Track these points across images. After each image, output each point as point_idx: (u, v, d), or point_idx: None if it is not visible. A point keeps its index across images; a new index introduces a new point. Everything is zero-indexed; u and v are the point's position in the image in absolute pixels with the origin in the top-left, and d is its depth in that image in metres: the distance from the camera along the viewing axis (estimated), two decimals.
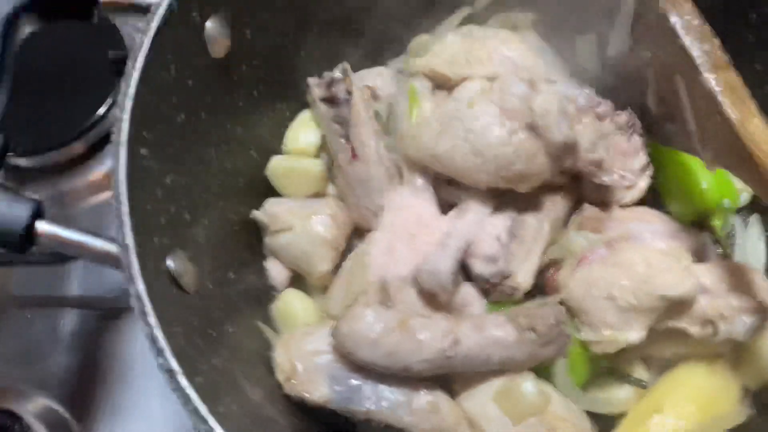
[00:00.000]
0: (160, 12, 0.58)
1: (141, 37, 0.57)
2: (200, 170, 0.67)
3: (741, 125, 0.60)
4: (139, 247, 0.51)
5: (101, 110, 0.98)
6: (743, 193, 0.80)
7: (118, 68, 1.00)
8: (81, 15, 0.61)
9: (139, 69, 0.56)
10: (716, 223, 0.77)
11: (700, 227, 0.78)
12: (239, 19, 0.69)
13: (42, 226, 0.52)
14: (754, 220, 0.81)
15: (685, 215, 0.78)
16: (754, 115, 0.60)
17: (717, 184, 0.77)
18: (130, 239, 0.50)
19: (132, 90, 0.55)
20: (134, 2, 0.62)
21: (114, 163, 0.52)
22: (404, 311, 0.67)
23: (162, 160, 0.59)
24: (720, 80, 0.62)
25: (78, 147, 1.00)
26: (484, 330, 0.64)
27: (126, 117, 0.54)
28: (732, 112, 0.61)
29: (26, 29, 0.58)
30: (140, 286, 0.49)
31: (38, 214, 0.52)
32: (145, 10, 0.60)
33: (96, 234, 0.54)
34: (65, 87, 0.96)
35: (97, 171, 1.01)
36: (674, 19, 0.66)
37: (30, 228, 0.51)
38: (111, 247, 0.52)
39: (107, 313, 0.94)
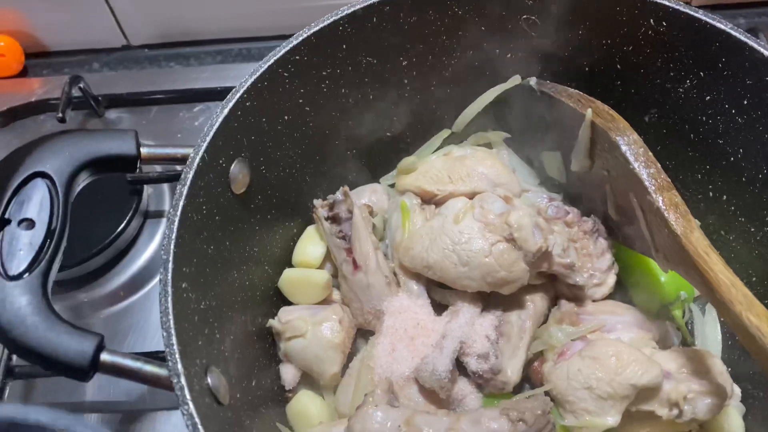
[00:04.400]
0: (195, 163, 0.69)
1: (180, 188, 0.67)
2: (225, 291, 0.76)
3: (685, 238, 0.71)
4: (187, 371, 0.60)
5: (119, 228, 1.07)
6: None
7: (135, 188, 1.12)
8: (126, 169, 0.72)
9: (178, 215, 0.66)
10: (676, 312, 0.88)
11: (663, 316, 0.89)
12: (256, 158, 0.80)
13: (104, 357, 0.61)
14: (709, 307, 0.92)
15: (649, 306, 0.89)
16: (694, 228, 0.72)
17: (674, 278, 0.88)
18: (179, 367, 0.59)
19: (174, 234, 0.65)
20: (170, 155, 0.72)
21: (164, 301, 0.62)
22: (409, 408, 0.76)
23: (198, 290, 0.68)
24: (665, 200, 0.74)
25: (96, 262, 1.08)
26: (481, 424, 0.72)
27: (170, 258, 0.64)
28: (677, 226, 0.72)
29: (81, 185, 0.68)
30: (191, 407, 0.58)
31: (101, 346, 0.61)
32: (181, 161, 0.70)
33: (148, 360, 0.62)
34: (88, 210, 1.05)
35: (112, 284, 1.09)
36: (624, 148, 0.78)
37: (95, 359, 0.60)
38: (162, 372, 0.61)
39: (126, 417, 1.00)
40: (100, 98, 1.26)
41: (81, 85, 1.21)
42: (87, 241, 1.07)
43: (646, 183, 0.76)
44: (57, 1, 1.27)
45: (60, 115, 1.12)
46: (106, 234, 1.07)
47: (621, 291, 0.92)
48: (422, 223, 0.90)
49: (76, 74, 1.21)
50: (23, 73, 1.35)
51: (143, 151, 0.71)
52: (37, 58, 1.37)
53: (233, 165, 0.76)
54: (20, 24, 1.31)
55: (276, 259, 0.90)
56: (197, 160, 0.70)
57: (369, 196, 0.97)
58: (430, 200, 0.95)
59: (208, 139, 0.71)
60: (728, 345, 0.89)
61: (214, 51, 1.36)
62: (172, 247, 0.65)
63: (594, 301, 0.89)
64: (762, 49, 0.75)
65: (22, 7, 1.29)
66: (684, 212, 0.73)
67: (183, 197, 0.67)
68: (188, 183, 0.68)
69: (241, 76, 0.76)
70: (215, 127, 0.72)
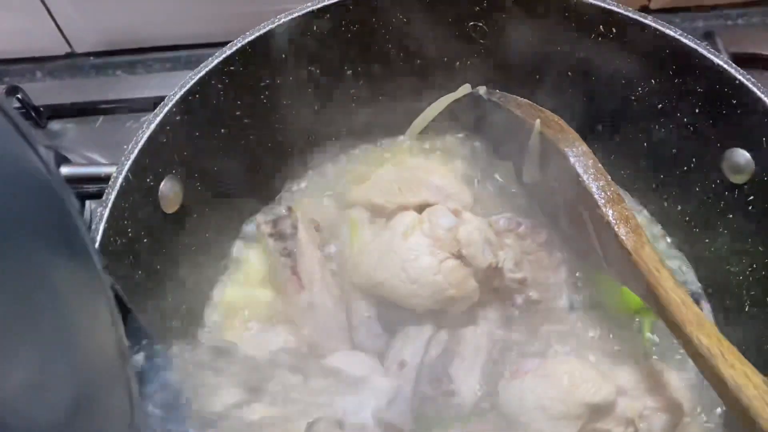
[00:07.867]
0: (118, 184, 0.65)
1: (101, 211, 0.63)
2: (156, 319, 0.72)
3: (635, 253, 0.69)
4: None
5: None
6: None
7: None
8: None
9: (99, 240, 0.62)
10: (645, 320, 0.85)
11: (630, 325, 0.86)
12: (190, 175, 0.76)
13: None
14: None
15: (620, 310, 0.86)
16: (645, 243, 0.70)
17: None
18: None
19: None
20: (93, 175, 0.68)
21: None
22: None
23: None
24: (615, 213, 0.71)
25: None
26: None
27: None
28: (627, 241, 0.70)
29: None
30: None
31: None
32: (105, 181, 0.66)
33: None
34: None
35: None
36: (573, 160, 0.76)
37: None
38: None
39: None
40: (42, 109, 1.20)
41: (19, 96, 1.15)
42: None
43: (596, 196, 0.73)
44: None
45: None
46: None
47: (592, 295, 0.88)
48: (371, 238, 0.87)
49: (14, 84, 1.15)
50: None
51: (62, 171, 0.67)
52: None
53: (163, 183, 0.71)
54: None
55: (216, 279, 0.86)
56: (120, 179, 0.65)
57: (316, 208, 0.93)
58: (380, 213, 0.91)
59: (132, 157, 0.67)
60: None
61: (162, 58, 1.31)
62: None
63: (549, 314, 0.86)
64: (711, 56, 0.73)
65: None
66: (635, 226, 0.71)
67: (104, 220, 0.63)
68: (110, 205, 0.64)
69: None
70: (140, 144, 0.68)
